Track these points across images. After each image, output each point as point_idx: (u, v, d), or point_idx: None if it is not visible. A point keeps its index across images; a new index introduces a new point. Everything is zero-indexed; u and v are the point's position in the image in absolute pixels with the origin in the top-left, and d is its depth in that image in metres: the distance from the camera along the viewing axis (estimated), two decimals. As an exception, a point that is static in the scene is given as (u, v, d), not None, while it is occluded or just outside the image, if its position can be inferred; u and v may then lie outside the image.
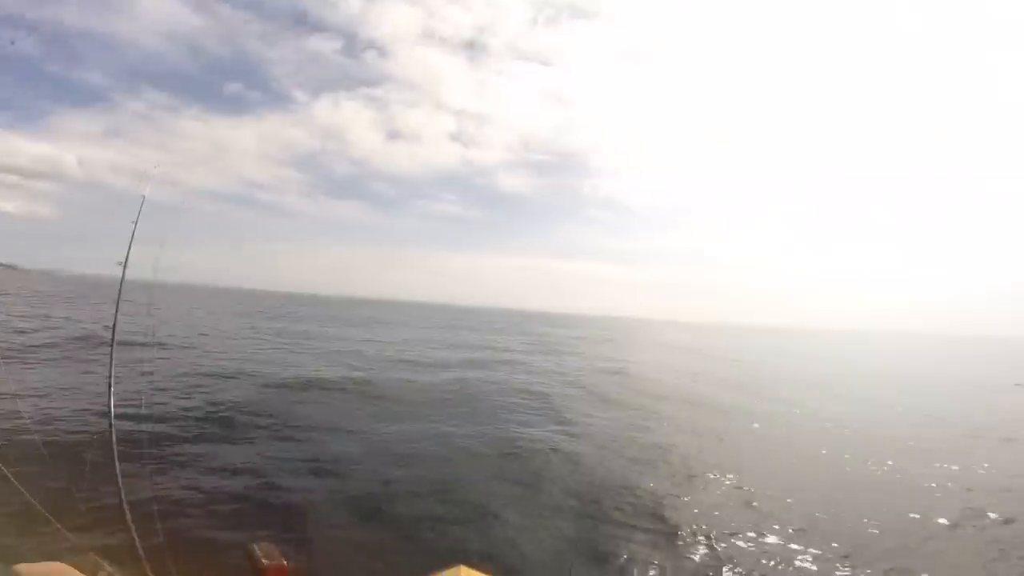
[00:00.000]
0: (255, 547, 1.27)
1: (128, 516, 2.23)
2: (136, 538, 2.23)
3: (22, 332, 18.18)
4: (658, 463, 9.98)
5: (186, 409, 10.23)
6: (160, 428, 8.42)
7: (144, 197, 2.88)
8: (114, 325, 2.51)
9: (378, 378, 16.82)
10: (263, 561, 1.28)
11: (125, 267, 2.66)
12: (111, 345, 2.50)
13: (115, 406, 2.30)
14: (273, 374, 15.42)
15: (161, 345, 17.08)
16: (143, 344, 9.41)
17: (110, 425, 2.41)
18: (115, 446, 2.28)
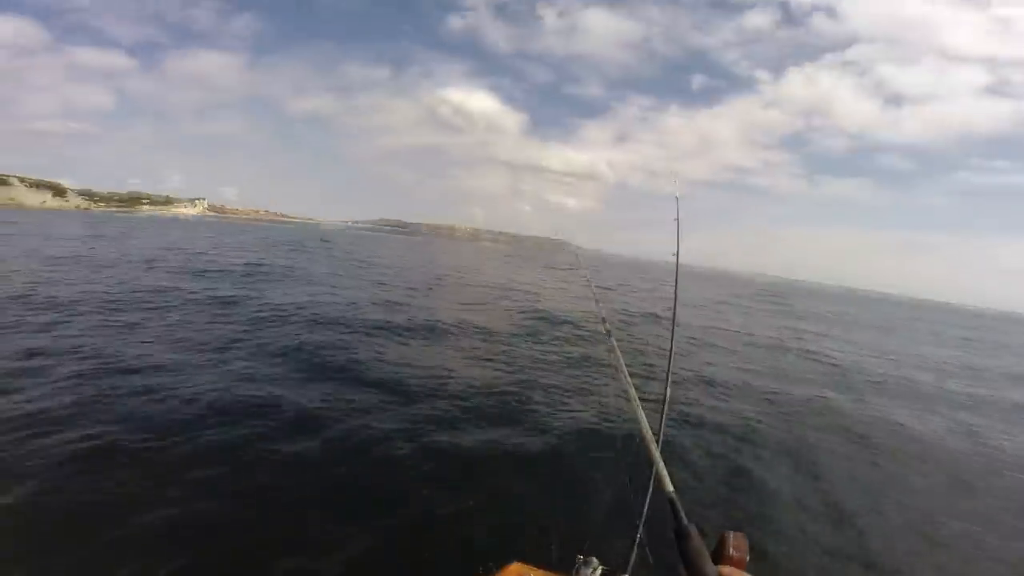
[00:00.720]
0: (729, 535, 1.34)
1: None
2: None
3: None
4: None
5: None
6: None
7: (677, 198, 3.14)
8: (674, 306, 2.93)
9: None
10: (732, 552, 1.36)
11: (678, 258, 3.17)
12: (672, 324, 2.80)
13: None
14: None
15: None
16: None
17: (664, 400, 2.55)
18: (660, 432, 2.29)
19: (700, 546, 1.32)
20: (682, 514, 1.36)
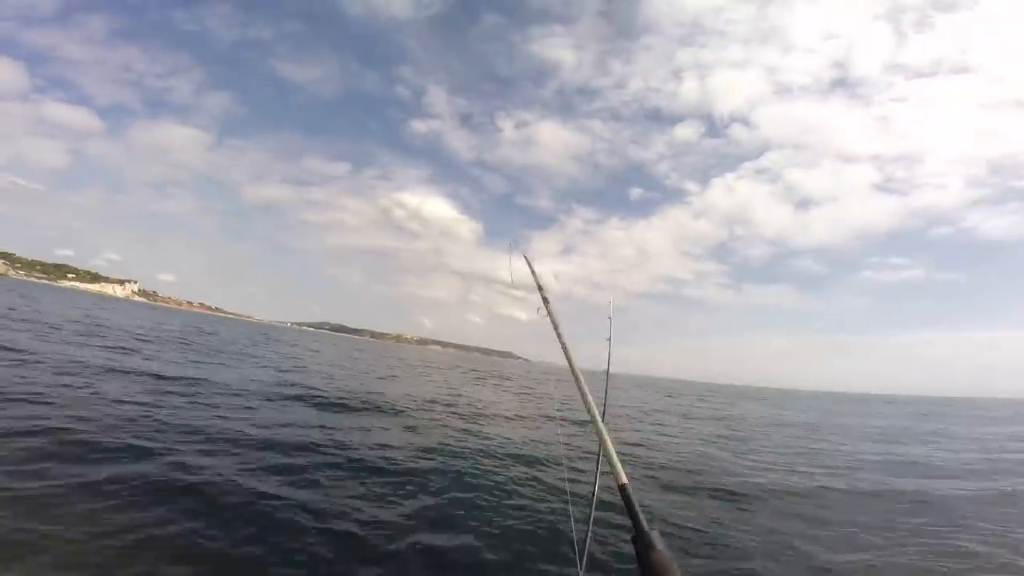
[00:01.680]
0: None
1: None
2: None
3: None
4: None
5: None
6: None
7: (610, 318, 3.56)
8: (604, 406, 3.02)
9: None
10: None
11: (608, 368, 3.43)
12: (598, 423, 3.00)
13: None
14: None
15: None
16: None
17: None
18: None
19: (666, 562, 1.11)
20: (640, 515, 1.19)
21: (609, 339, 3.45)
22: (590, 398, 1.61)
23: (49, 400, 7.07)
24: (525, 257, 2.58)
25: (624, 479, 1.31)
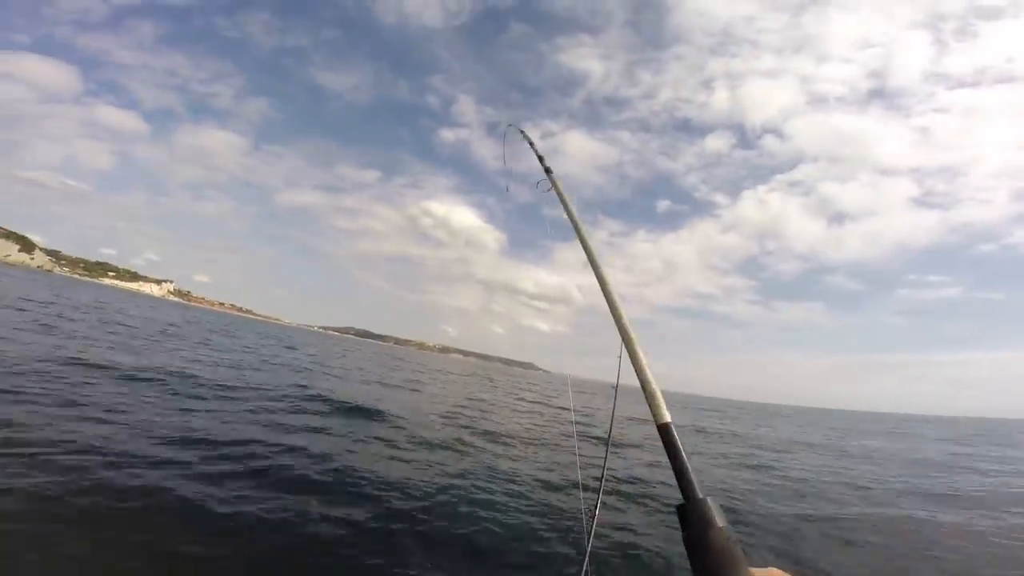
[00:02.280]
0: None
1: None
2: None
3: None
4: None
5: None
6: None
7: (622, 343, 3.14)
8: (611, 420, 2.71)
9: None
10: None
11: (617, 385, 2.95)
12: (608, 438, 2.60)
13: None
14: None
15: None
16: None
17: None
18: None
19: (730, 546, 0.77)
20: (692, 475, 0.86)
21: (619, 356, 2.98)
22: (621, 309, 1.33)
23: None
24: (522, 132, 2.32)
25: (667, 417, 0.98)
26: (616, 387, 2.97)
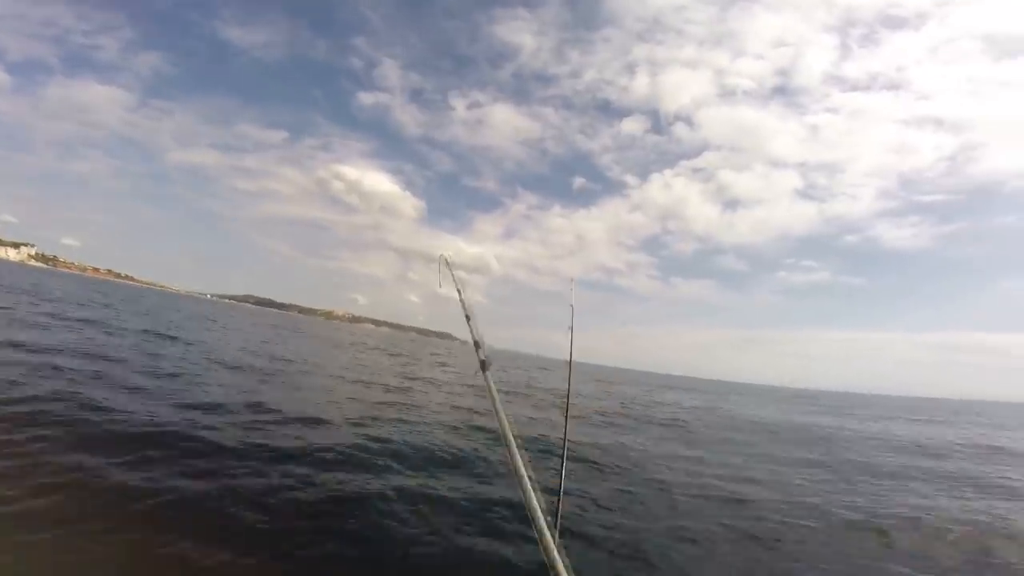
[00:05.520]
0: None
1: None
2: None
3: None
4: None
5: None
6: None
7: (572, 306, 3.34)
8: (568, 393, 2.95)
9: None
10: None
11: (571, 359, 3.19)
12: (566, 406, 2.86)
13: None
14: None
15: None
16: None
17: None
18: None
19: None
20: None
21: (571, 328, 3.30)
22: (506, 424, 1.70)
23: None
24: (447, 261, 2.56)
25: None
26: (571, 361, 3.20)
